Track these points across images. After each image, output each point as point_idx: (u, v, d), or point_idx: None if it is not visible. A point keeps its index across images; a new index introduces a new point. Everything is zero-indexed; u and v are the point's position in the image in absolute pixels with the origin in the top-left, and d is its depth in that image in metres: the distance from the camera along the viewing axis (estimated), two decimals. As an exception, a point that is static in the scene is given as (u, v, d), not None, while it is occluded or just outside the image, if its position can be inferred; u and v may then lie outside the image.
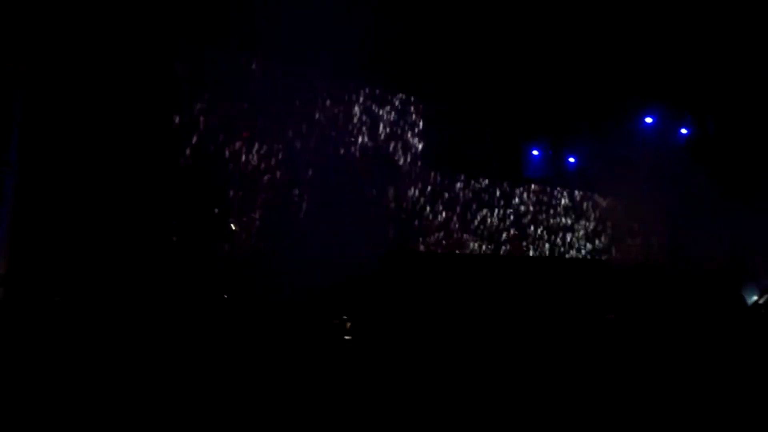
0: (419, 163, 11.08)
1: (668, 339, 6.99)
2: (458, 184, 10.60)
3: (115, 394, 3.95)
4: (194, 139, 8.08)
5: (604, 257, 12.61)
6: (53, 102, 4.86)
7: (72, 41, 4.98)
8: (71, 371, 4.08)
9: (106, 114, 5.24)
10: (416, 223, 10.01)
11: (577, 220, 12.45)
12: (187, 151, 7.62)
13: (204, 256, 7.28)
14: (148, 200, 5.82)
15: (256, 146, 8.85)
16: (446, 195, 10.46)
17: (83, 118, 5.06)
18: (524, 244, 11.52)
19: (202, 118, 8.19)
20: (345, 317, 7.14)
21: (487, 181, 11.14)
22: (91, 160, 5.05)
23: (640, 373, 5.36)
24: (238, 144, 8.62)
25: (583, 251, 12.43)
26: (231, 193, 8.32)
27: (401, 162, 10.77)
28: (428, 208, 10.13)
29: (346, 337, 6.75)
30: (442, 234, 10.31)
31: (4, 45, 4.71)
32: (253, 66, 8.82)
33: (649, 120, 13.64)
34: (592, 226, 12.66)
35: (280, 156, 9.06)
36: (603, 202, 12.90)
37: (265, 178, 8.85)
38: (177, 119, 7.73)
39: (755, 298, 9.03)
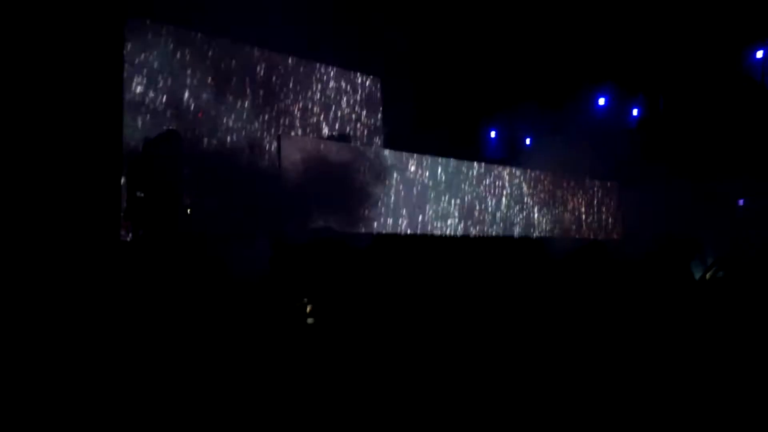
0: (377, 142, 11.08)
1: (617, 315, 7.22)
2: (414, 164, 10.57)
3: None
4: (141, 122, 7.80)
5: (557, 236, 12.90)
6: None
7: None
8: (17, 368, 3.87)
9: (46, 100, 4.90)
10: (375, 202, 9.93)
11: (531, 199, 12.66)
12: (135, 135, 7.35)
13: (156, 241, 7.02)
14: (94, 184, 5.53)
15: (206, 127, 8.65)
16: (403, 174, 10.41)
17: (21, 107, 4.72)
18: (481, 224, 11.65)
19: (148, 99, 7.93)
20: (306, 299, 7.04)
21: (446, 160, 11.15)
22: (31, 151, 4.72)
23: (591, 355, 5.49)
24: (189, 124, 8.36)
25: (538, 230, 12.68)
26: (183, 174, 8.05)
27: (359, 141, 10.70)
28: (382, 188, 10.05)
29: (309, 321, 6.68)
30: (403, 213, 10.29)
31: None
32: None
33: (601, 101, 14.00)
34: (546, 205, 12.91)
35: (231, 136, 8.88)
36: (557, 182, 13.16)
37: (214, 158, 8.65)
38: (125, 97, 7.45)
39: (702, 273, 9.42)
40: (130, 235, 7.06)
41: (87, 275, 5.06)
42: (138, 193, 6.97)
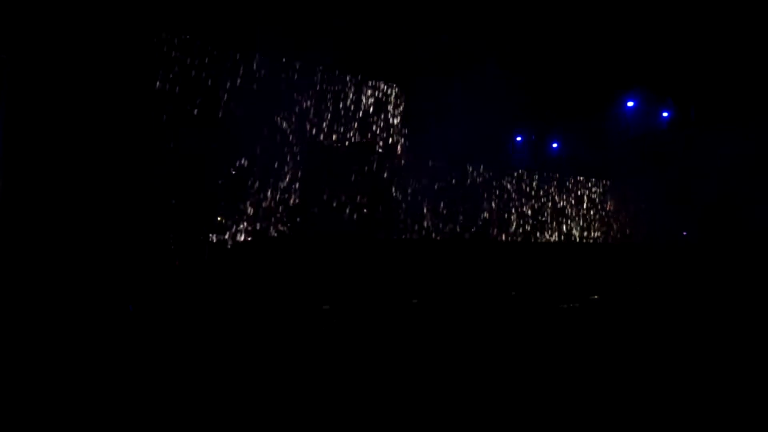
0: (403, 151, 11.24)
1: (652, 317, 7.12)
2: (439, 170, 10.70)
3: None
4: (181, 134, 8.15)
5: (588, 239, 12.79)
6: (38, 99, 4.86)
7: (54, 36, 4.97)
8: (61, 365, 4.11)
9: (93, 109, 5.24)
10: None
11: (562, 205, 12.61)
12: (173, 146, 7.67)
13: (193, 248, 7.32)
14: (135, 196, 5.83)
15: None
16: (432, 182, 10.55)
17: (70, 115, 5.06)
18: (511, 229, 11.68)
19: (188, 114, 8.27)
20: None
21: (472, 168, 11.24)
22: (78, 156, 5.05)
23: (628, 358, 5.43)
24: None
25: (570, 234, 12.61)
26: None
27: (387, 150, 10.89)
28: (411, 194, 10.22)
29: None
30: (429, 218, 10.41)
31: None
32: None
33: (630, 104, 13.86)
34: (576, 209, 12.84)
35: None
36: (588, 187, 13.07)
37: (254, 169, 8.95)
38: (164, 116, 7.80)
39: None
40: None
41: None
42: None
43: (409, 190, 10.42)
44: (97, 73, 5.30)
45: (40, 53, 4.86)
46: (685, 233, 11.33)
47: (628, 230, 13.63)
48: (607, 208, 13.58)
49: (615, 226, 13.59)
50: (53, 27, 5.05)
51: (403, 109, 11.41)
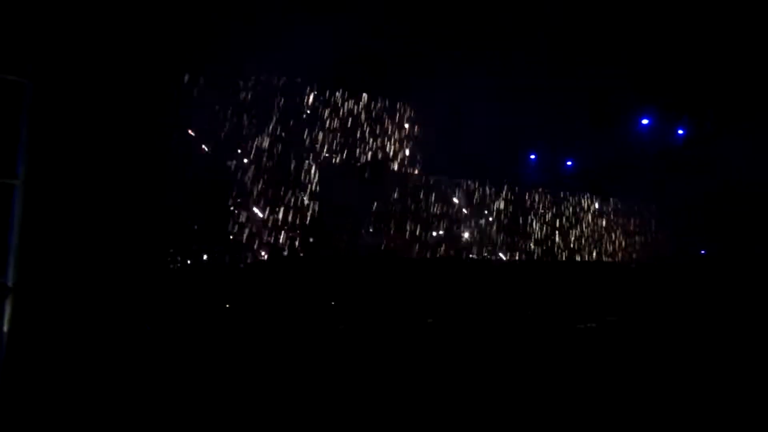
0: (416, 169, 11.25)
1: (673, 339, 7.02)
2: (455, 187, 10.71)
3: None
4: (201, 150, 8.27)
5: (604, 258, 12.67)
6: (60, 113, 4.95)
7: (78, 51, 5.08)
8: (83, 377, 4.15)
9: (114, 125, 5.33)
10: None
11: (576, 222, 12.53)
12: (192, 163, 7.78)
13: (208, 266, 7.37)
14: (153, 209, 5.90)
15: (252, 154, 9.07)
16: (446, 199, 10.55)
17: (91, 129, 5.15)
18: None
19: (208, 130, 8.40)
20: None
21: (486, 185, 11.23)
22: (99, 171, 5.13)
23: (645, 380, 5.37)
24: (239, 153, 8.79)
25: (583, 253, 12.50)
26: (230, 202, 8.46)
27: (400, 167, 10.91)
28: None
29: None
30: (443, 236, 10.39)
31: (9, 54, 4.78)
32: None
33: (645, 121, 13.77)
34: (592, 227, 12.74)
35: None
36: (602, 204, 12.98)
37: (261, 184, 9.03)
38: (191, 131, 7.94)
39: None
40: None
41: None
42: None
43: (423, 207, 10.43)
44: (119, 97, 5.39)
45: (62, 78, 4.96)
46: (704, 251, 11.18)
47: (644, 249, 13.49)
48: (624, 227, 13.47)
49: (631, 245, 13.46)
50: (75, 51, 5.15)
51: (412, 125, 11.46)
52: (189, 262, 7.67)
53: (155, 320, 5.59)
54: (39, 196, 4.62)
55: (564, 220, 12.41)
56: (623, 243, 13.20)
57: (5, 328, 4.27)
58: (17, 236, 4.47)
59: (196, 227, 7.58)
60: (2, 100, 4.74)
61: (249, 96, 9.09)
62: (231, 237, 8.45)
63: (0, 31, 4.67)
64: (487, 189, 11.45)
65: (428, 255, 10.12)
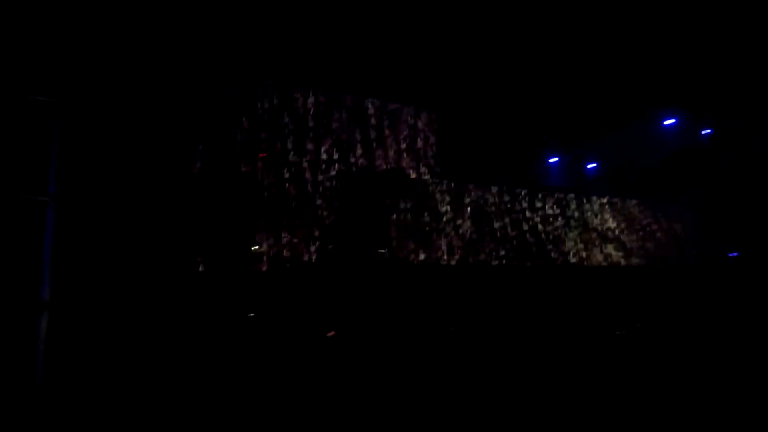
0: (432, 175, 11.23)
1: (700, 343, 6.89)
2: (474, 194, 10.67)
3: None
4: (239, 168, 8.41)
5: (630, 263, 12.48)
6: (90, 132, 5.08)
7: (106, 72, 5.22)
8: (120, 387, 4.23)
9: (142, 142, 5.45)
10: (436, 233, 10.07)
11: (598, 227, 12.36)
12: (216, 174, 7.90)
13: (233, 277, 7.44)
14: (180, 223, 6.00)
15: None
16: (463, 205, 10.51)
17: (120, 147, 5.27)
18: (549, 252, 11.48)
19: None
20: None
21: (504, 190, 11.16)
22: (128, 187, 5.25)
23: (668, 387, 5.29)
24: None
25: (606, 258, 12.33)
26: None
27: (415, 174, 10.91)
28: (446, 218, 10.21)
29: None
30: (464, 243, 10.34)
31: (40, 75, 4.92)
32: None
33: (669, 122, 13.55)
34: (616, 232, 12.56)
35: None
36: (625, 207, 12.79)
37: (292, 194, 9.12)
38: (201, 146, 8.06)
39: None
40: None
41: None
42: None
43: (443, 215, 10.40)
44: (146, 115, 5.51)
45: (92, 98, 5.09)
46: (731, 255, 10.97)
47: (671, 253, 13.26)
48: (649, 230, 13.26)
49: (657, 249, 13.24)
50: (103, 73, 5.29)
51: (436, 133, 11.43)
52: (213, 271, 7.77)
53: (183, 329, 5.68)
54: (70, 213, 4.75)
55: (587, 222, 12.27)
56: (647, 245, 13.00)
57: (42, 342, 4.39)
58: (51, 253, 4.60)
59: (219, 238, 7.68)
60: (34, 121, 4.88)
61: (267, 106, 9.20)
62: (254, 247, 8.54)
63: (32, 54, 4.82)
64: (506, 195, 11.39)
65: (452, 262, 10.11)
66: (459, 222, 10.35)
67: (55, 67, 5.05)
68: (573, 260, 11.69)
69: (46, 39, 5.01)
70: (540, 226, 11.47)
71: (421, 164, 11.21)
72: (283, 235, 8.77)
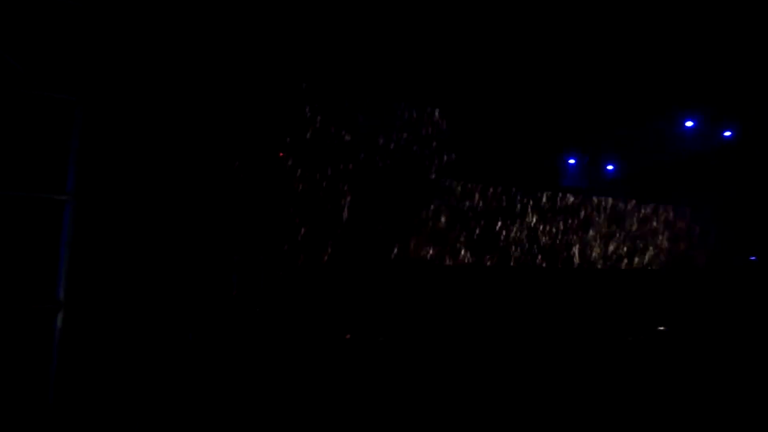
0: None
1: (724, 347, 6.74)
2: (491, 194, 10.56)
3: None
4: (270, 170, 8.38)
5: (649, 267, 12.27)
6: (109, 130, 5.06)
7: (128, 68, 5.20)
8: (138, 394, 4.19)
9: (161, 140, 5.42)
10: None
11: (618, 230, 12.17)
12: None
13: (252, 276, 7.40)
14: (200, 221, 5.96)
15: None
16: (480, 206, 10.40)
17: (138, 145, 5.25)
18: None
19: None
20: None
21: (522, 191, 11.03)
22: (147, 186, 5.22)
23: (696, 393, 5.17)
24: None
25: (627, 262, 12.13)
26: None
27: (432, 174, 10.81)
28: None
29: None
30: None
31: (59, 73, 4.90)
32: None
33: (689, 124, 13.30)
34: (634, 235, 12.36)
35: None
36: (644, 210, 12.59)
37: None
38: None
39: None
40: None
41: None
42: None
43: (457, 215, 10.30)
44: (165, 111, 5.48)
45: (110, 95, 5.06)
46: (753, 258, 10.73)
47: (691, 256, 13.03)
48: (669, 233, 13.04)
49: (677, 252, 13.01)
50: (122, 70, 5.26)
51: (447, 131, 11.32)
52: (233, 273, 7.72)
53: (198, 333, 5.64)
54: (88, 212, 4.73)
55: (607, 226, 12.09)
56: (668, 248, 12.78)
57: (57, 342, 4.36)
58: (67, 251, 4.57)
59: (243, 237, 7.65)
60: (52, 119, 4.87)
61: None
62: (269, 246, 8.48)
63: (50, 52, 4.80)
64: (520, 196, 11.25)
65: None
66: (476, 223, 10.24)
67: (75, 65, 5.04)
68: (599, 264, 11.52)
69: (66, 36, 4.99)
70: (559, 227, 11.32)
71: (436, 165, 11.10)
72: (297, 234, 8.71)
